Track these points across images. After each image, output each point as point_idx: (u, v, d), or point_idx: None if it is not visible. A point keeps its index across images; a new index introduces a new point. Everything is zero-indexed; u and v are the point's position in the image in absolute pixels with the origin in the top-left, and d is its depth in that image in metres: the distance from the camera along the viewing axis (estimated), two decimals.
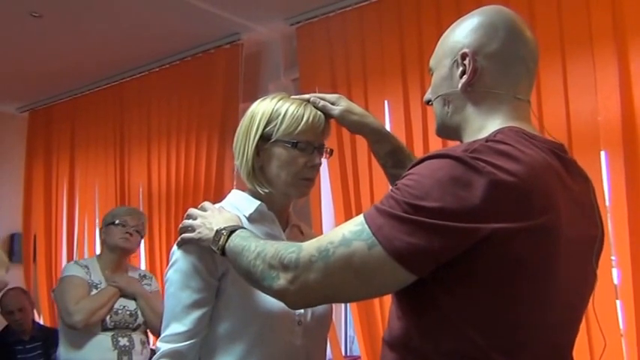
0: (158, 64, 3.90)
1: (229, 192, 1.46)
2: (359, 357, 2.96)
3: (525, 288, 0.96)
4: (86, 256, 4.27)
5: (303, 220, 1.51)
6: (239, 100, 3.45)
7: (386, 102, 2.90)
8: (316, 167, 1.35)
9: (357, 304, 2.84)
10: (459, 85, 1.09)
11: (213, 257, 1.26)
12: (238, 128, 1.38)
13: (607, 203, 2.18)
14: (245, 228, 1.24)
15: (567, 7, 2.35)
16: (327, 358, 1.50)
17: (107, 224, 2.74)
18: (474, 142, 0.98)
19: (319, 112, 1.35)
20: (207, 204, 1.34)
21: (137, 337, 2.64)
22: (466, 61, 1.08)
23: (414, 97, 2.76)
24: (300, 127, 1.31)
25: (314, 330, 1.36)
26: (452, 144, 1.13)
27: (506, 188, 0.91)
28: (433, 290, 0.97)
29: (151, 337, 2.81)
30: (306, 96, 1.38)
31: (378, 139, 1.43)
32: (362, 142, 2.80)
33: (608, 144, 2.23)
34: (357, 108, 1.41)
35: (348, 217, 2.86)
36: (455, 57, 1.10)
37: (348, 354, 3.37)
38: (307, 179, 1.34)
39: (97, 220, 4.27)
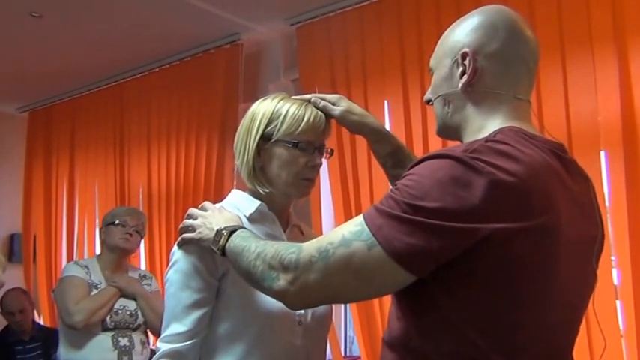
0: (158, 64, 3.90)
1: (229, 192, 1.46)
2: (359, 357, 2.96)
3: (525, 288, 0.96)
4: (86, 256, 4.27)
5: (303, 221, 1.51)
6: (239, 100, 3.46)
7: (386, 102, 2.90)
8: (317, 167, 1.35)
9: (356, 305, 2.84)
10: (459, 85, 1.09)
11: (214, 257, 1.26)
12: (239, 128, 1.38)
13: (607, 203, 2.18)
14: (245, 228, 1.24)
15: (567, 7, 2.35)
16: (327, 358, 1.50)
17: (107, 224, 2.74)
18: (474, 142, 0.98)
19: (320, 113, 1.35)
20: (207, 204, 1.34)
21: (137, 337, 2.64)
22: (466, 61, 1.08)
23: (414, 97, 2.76)
24: (300, 128, 1.31)
25: (314, 330, 1.35)
26: (452, 144, 1.13)
27: (505, 188, 0.91)
28: (433, 291, 0.97)
29: (151, 337, 2.81)
30: (307, 96, 1.38)
31: (378, 139, 1.43)
32: (362, 143, 2.81)
33: (607, 144, 2.23)
34: (357, 108, 1.41)
35: (347, 217, 2.87)
36: (455, 57, 1.10)
37: (348, 354, 3.38)
38: (308, 179, 1.34)
39: (97, 221, 4.27)
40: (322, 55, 3.10)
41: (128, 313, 2.63)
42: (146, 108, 4.03)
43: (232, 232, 1.20)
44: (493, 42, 1.08)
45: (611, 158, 2.21)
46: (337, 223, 2.96)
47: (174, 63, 3.83)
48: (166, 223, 3.77)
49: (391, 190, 0.99)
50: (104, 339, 2.55)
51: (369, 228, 0.96)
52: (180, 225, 1.32)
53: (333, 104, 1.38)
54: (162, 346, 1.26)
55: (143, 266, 3.72)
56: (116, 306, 2.61)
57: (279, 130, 1.31)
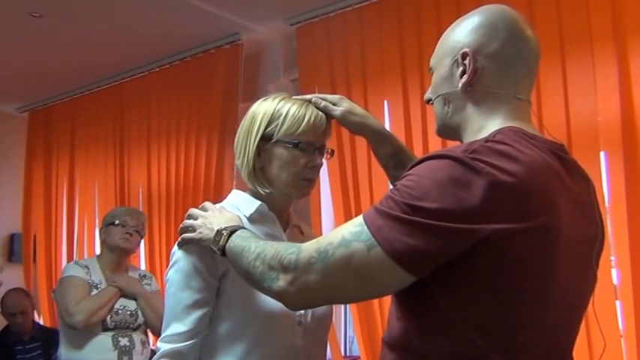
0: (158, 64, 3.90)
1: (229, 192, 1.46)
2: (358, 357, 2.96)
3: (525, 288, 0.96)
4: (86, 256, 4.27)
5: (303, 221, 1.51)
6: (239, 100, 3.46)
7: (385, 102, 2.90)
8: (317, 168, 1.35)
9: (356, 305, 2.84)
10: (459, 85, 1.09)
11: (214, 257, 1.26)
12: (239, 128, 1.38)
13: (606, 204, 2.18)
14: (246, 228, 1.24)
15: (567, 7, 2.35)
16: (327, 358, 1.50)
17: (107, 224, 2.74)
18: (474, 142, 0.98)
19: (321, 113, 1.35)
20: (208, 204, 1.34)
21: (137, 337, 2.64)
22: (466, 61, 1.08)
23: (414, 97, 2.76)
24: (301, 128, 1.31)
25: (314, 330, 1.36)
26: (452, 144, 1.13)
27: (505, 189, 0.91)
28: (433, 291, 0.97)
29: (151, 337, 2.81)
30: (308, 96, 1.38)
31: (379, 140, 1.43)
32: (361, 143, 2.81)
33: (607, 144, 2.23)
34: (358, 109, 1.41)
35: (347, 217, 2.87)
36: (455, 56, 1.10)
37: (348, 354, 3.38)
38: (308, 180, 1.34)
39: (97, 221, 4.27)
40: (322, 56, 3.10)
41: (128, 313, 2.63)
42: (146, 108, 4.03)
43: (232, 232, 1.20)
44: (493, 42, 1.08)
45: (611, 159, 2.21)
46: (337, 224, 2.96)
47: (174, 63, 3.83)
48: (166, 223, 3.77)
49: (391, 190, 0.99)
50: (104, 339, 2.55)
51: (368, 228, 0.96)
52: (181, 225, 1.32)
53: (334, 105, 1.38)
54: (163, 346, 1.26)
55: (143, 266, 3.72)
56: (116, 306, 2.61)
57: (279, 130, 1.31)
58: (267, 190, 1.34)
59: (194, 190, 3.61)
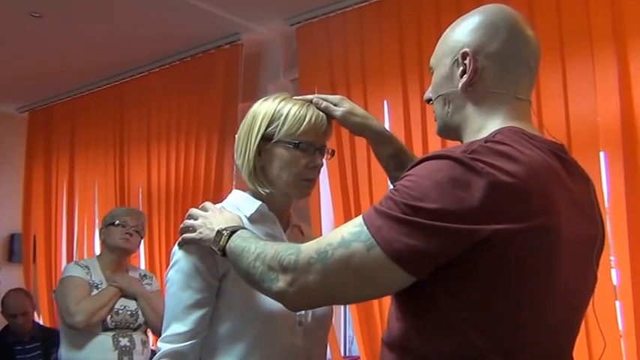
0: (158, 64, 3.90)
1: (229, 192, 1.46)
2: (358, 357, 2.96)
3: (525, 289, 0.96)
4: (85, 256, 4.27)
5: (303, 221, 1.51)
6: (238, 100, 3.46)
7: (385, 102, 2.90)
8: (318, 168, 1.35)
9: (356, 305, 2.84)
10: (460, 85, 1.09)
11: (214, 257, 1.26)
12: (240, 128, 1.38)
13: (606, 204, 2.18)
14: (246, 228, 1.24)
15: (567, 7, 2.35)
16: (327, 358, 1.50)
17: (107, 225, 2.74)
18: (473, 142, 0.98)
19: (321, 113, 1.35)
20: (208, 204, 1.34)
21: (138, 337, 2.64)
22: (466, 61, 1.08)
23: (414, 97, 2.76)
24: (302, 128, 1.31)
25: (314, 331, 1.36)
26: (451, 144, 1.13)
27: (505, 189, 0.91)
28: (432, 291, 0.97)
29: (151, 337, 2.81)
30: (309, 97, 1.38)
31: (380, 140, 1.43)
32: (361, 144, 2.82)
33: (607, 145, 2.23)
34: (359, 110, 1.41)
35: (347, 218, 2.87)
36: (455, 56, 1.10)
37: (347, 354, 3.37)
38: (308, 180, 1.34)
39: (97, 221, 4.27)
40: (322, 56, 3.10)
41: (129, 313, 2.63)
42: (146, 108, 4.03)
43: (233, 232, 1.20)
44: (494, 41, 1.07)
45: (611, 159, 2.21)
46: (337, 224, 2.96)
47: (174, 63, 3.83)
48: (166, 223, 3.77)
49: (390, 190, 0.99)
50: (105, 339, 2.55)
51: (368, 229, 0.96)
52: (181, 225, 1.32)
53: (335, 105, 1.37)
54: (163, 347, 1.27)
55: (143, 266, 3.72)
56: (117, 306, 2.61)
57: (280, 130, 1.31)
58: (268, 190, 1.34)
59: (194, 190, 3.62)
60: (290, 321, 1.30)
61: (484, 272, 0.94)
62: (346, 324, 3.39)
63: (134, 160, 4.12)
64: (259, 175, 1.34)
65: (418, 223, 0.92)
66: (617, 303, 2.15)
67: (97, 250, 4.07)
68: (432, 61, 1.17)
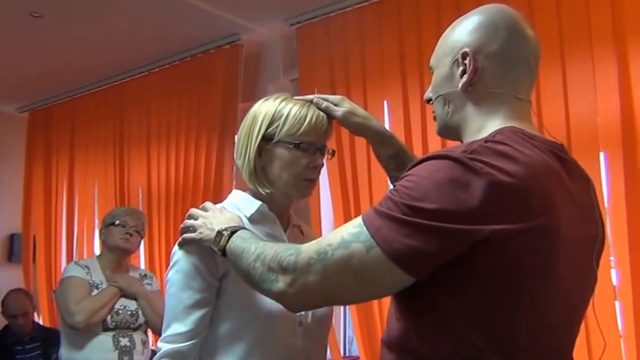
0: (158, 64, 3.90)
1: (228, 192, 1.46)
2: (358, 358, 2.96)
3: (525, 289, 0.96)
4: (85, 256, 4.27)
5: (303, 222, 1.51)
6: (238, 100, 3.46)
7: (385, 102, 2.90)
8: (318, 168, 1.35)
9: (356, 305, 2.83)
10: (460, 85, 1.09)
11: (214, 257, 1.26)
12: (240, 128, 1.38)
13: (606, 204, 2.18)
14: (246, 229, 1.24)
15: (567, 7, 2.35)
16: (327, 359, 1.50)
17: (107, 225, 2.74)
18: (473, 142, 0.98)
19: (322, 113, 1.35)
20: (208, 204, 1.34)
21: (138, 337, 2.64)
22: (466, 61, 1.08)
23: (414, 97, 2.76)
24: (302, 128, 1.31)
25: (315, 331, 1.36)
26: (451, 144, 1.13)
27: (504, 189, 0.91)
28: (432, 292, 0.97)
29: (151, 337, 2.81)
30: (309, 97, 1.38)
31: (380, 141, 1.43)
32: (361, 144, 2.82)
33: (607, 145, 2.23)
34: (360, 110, 1.41)
35: (347, 218, 2.87)
36: (455, 56, 1.10)
37: (347, 355, 3.37)
38: (309, 180, 1.34)
39: (97, 221, 4.27)
40: (322, 56, 3.10)
41: (129, 313, 2.63)
42: (146, 108, 4.03)
43: (233, 232, 1.20)
44: (494, 41, 1.07)
45: (611, 159, 2.21)
46: (336, 224, 2.96)
47: (174, 63, 3.83)
48: (166, 223, 3.77)
49: (390, 191, 0.99)
50: (105, 339, 2.55)
51: (367, 229, 0.96)
52: (181, 225, 1.32)
53: (336, 105, 1.37)
54: (163, 347, 1.27)
55: (143, 266, 3.72)
56: (117, 306, 2.61)
57: (280, 130, 1.31)
58: (268, 191, 1.34)
59: (194, 190, 3.62)
60: (290, 321, 1.30)
61: (484, 272, 0.94)
62: (346, 324, 3.39)
63: (134, 160, 4.12)
64: (260, 176, 1.34)
65: (418, 224, 0.92)
66: (617, 303, 2.15)
67: (97, 250, 4.07)
68: (432, 61, 1.17)
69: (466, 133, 1.10)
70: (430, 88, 1.18)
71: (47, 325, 4.25)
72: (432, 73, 1.17)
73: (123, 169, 4.17)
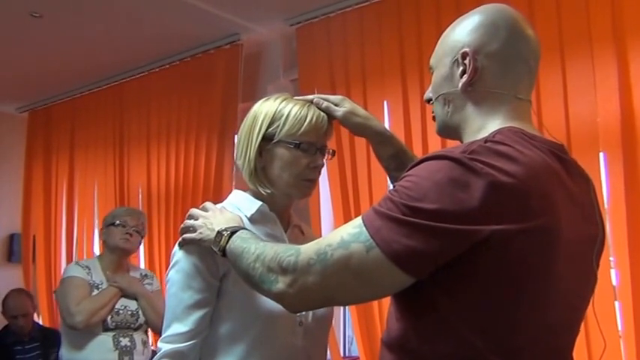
0: (158, 64, 3.90)
1: (228, 192, 1.46)
2: (357, 358, 2.96)
3: (525, 289, 0.96)
4: (85, 256, 4.27)
5: (303, 222, 1.51)
6: (238, 100, 3.46)
7: (385, 102, 2.90)
8: (318, 168, 1.35)
9: (355, 305, 2.83)
10: (460, 85, 1.09)
11: (215, 258, 1.26)
12: (241, 128, 1.38)
13: (606, 205, 2.18)
14: (246, 229, 1.24)
15: (567, 7, 2.35)
16: (327, 359, 1.50)
17: (107, 225, 2.74)
18: (473, 142, 0.98)
19: (322, 114, 1.35)
20: (208, 204, 1.34)
21: (138, 337, 2.64)
22: (466, 61, 1.08)
23: (414, 97, 2.76)
24: (303, 128, 1.31)
25: (315, 331, 1.36)
26: (451, 144, 1.13)
27: (504, 190, 0.91)
28: (432, 292, 0.97)
29: (152, 337, 2.81)
30: (310, 97, 1.38)
31: (380, 141, 1.43)
32: (361, 144, 2.82)
33: (607, 145, 2.23)
34: (360, 110, 1.41)
35: (347, 218, 2.87)
36: (455, 56, 1.10)
37: (347, 355, 3.37)
38: (309, 180, 1.34)
39: (97, 221, 4.27)
40: (322, 56, 3.10)
41: (129, 313, 2.63)
42: (146, 108, 4.03)
43: (233, 233, 1.20)
44: (494, 41, 1.07)
45: (611, 160, 2.21)
46: (336, 224, 2.96)
47: (174, 63, 3.83)
48: (166, 223, 3.77)
49: (390, 191, 0.99)
50: (105, 339, 2.55)
51: (367, 230, 0.96)
52: (182, 225, 1.32)
53: (336, 105, 1.37)
54: (164, 347, 1.27)
55: (143, 266, 3.72)
56: (117, 306, 2.61)
57: (281, 130, 1.31)
58: (269, 191, 1.34)
59: (194, 190, 3.61)
60: (290, 321, 1.30)
61: (484, 273, 0.94)
62: (346, 324, 3.39)
63: (134, 160, 4.11)
64: (260, 176, 1.34)
65: (417, 224, 0.92)
66: (617, 303, 2.15)
67: (97, 251, 4.07)
68: (432, 61, 1.17)
69: (466, 133, 1.10)
70: (430, 88, 1.18)
71: (47, 325, 4.24)
72: (432, 73, 1.17)
73: (123, 169, 4.17)
